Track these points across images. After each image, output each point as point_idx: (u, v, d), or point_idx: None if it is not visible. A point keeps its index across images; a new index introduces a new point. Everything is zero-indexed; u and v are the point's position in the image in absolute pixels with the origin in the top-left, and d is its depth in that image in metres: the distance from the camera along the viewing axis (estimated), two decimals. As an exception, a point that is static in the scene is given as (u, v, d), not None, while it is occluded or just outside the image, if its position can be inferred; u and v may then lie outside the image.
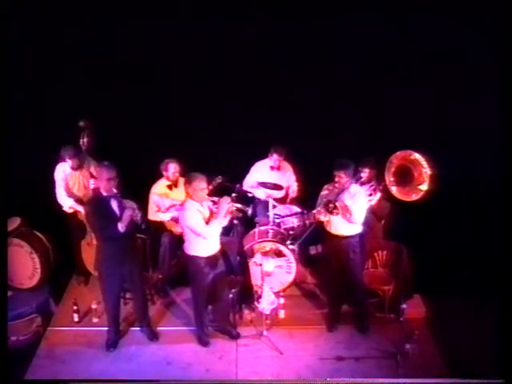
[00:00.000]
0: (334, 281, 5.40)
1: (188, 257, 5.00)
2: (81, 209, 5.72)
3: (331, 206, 4.93)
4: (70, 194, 5.86)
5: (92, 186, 5.62)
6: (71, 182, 5.87)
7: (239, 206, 5.14)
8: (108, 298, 5.12)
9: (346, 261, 5.17)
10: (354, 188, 5.03)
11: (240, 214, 5.14)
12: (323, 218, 5.11)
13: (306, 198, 6.19)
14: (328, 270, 5.46)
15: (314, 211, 5.25)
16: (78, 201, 5.83)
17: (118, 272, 4.99)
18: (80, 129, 5.63)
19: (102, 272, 5.03)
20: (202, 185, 4.74)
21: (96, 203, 4.87)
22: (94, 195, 5.04)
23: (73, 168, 5.80)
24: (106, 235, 4.82)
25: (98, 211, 4.79)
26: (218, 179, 5.46)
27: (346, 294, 5.45)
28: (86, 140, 5.65)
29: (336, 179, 4.98)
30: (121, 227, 4.72)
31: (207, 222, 4.81)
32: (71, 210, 5.85)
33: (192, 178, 4.76)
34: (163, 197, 5.83)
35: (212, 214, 4.87)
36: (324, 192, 5.21)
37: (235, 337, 5.32)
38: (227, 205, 4.83)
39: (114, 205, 4.81)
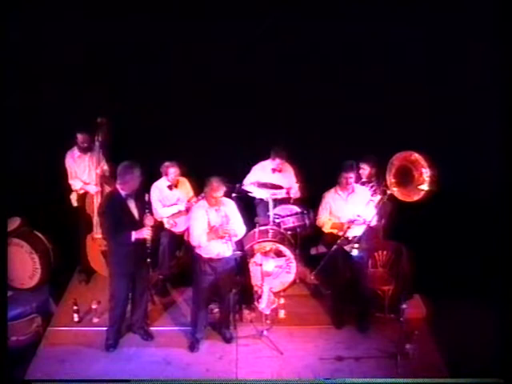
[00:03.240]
0: (340, 280, 5.41)
1: (192, 254, 5.05)
2: (91, 188, 5.81)
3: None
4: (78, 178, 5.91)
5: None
6: (81, 166, 5.88)
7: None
8: (118, 298, 5.07)
9: (355, 260, 5.26)
10: (358, 188, 5.19)
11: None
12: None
13: (307, 199, 6.20)
14: (337, 269, 5.43)
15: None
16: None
17: (131, 272, 4.98)
18: (96, 125, 5.66)
19: (116, 272, 5.00)
20: (214, 194, 4.74)
21: (113, 203, 4.76)
22: (113, 193, 4.87)
23: (81, 148, 5.81)
24: (118, 241, 4.80)
25: (115, 212, 4.71)
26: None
27: (349, 294, 5.48)
28: (100, 137, 5.69)
29: (350, 181, 5.12)
30: (134, 238, 4.71)
31: (210, 231, 4.82)
32: (82, 191, 5.88)
33: (209, 183, 4.76)
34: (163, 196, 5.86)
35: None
36: (329, 199, 5.28)
37: (229, 340, 5.29)
38: (223, 233, 4.79)
39: (132, 205, 4.76)
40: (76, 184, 5.89)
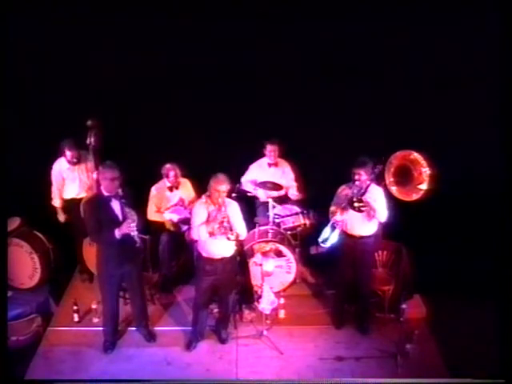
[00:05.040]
0: (343, 280, 5.37)
1: (193, 254, 5.12)
2: (60, 217, 5.91)
3: (357, 203, 4.88)
4: (60, 195, 5.92)
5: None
6: (70, 178, 5.86)
7: (230, 227, 4.93)
8: (107, 298, 5.08)
9: (359, 261, 5.20)
10: (373, 186, 5.01)
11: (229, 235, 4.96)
12: (340, 217, 5.07)
13: (307, 199, 6.20)
14: (340, 269, 5.39)
15: (332, 209, 5.15)
16: (64, 208, 5.94)
17: (118, 272, 4.96)
18: (87, 128, 5.63)
19: (102, 273, 5.00)
20: (218, 186, 4.71)
21: (95, 203, 4.80)
22: (95, 194, 4.97)
23: (70, 162, 5.77)
24: (102, 240, 4.80)
25: (97, 212, 4.72)
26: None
27: (351, 294, 5.46)
28: (93, 139, 5.64)
29: (356, 177, 4.95)
30: (118, 234, 4.68)
31: (208, 221, 4.79)
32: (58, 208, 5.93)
33: (214, 176, 4.77)
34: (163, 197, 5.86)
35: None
36: (342, 192, 5.14)
37: (224, 340, 5.30)
38: (222, 218, 4.77)
39: (116, 206, 4.75)
40: (55, 202, 5.91)
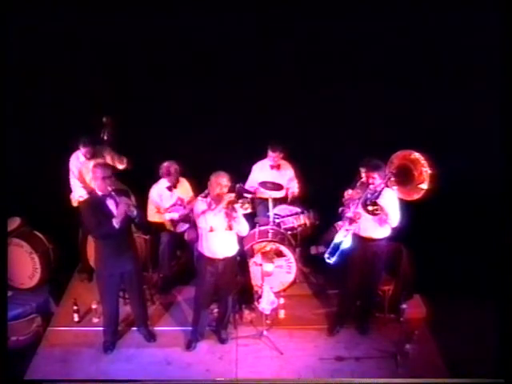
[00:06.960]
0: (353, 282, 5.26)
1: (193, 254, 5.13)
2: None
3: (371, 206, 4.80)
4: (83, 184, 5.90)
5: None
6: (85, 171, 5.89)
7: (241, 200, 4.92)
8: (107, 299, 5.07)
9: (370, 263, 5.12)
10: (387, 190, 4.91)
11: (245, 204, 4.91)
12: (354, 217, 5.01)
13: (307, 199, 6.20)
14: (350, 271, 5.27)
15: (342, 210, 5.14)
16: (90, 193, 5.89)
17: (118, 272, 4.95)
18: (102, 124, 5.72)
19: (101, 271, 4.99)
20: (220, 180, 4.74)
21: (91, 203, 4.83)
22: (89, 195, 5.00)
23: (86, 157, 5.86)
24: (102, 233, 4.77)
25: (94, 210, 4.73)
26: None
27: (357, 296, 5.42)
28: (106, 136, 5.77)
29: (370, 181, 4.89)
30: (115, 222, 4.66)
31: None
32: (81, 199, 5.82)
33: (213, 173, 4.81)
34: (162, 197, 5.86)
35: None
36: (349, 193, 5.09)
37: (224, 341, 5.30)
38: (229, 198, 4.75)
39: (110, 203, 4.75)
40: (78, 190, 5.89)
